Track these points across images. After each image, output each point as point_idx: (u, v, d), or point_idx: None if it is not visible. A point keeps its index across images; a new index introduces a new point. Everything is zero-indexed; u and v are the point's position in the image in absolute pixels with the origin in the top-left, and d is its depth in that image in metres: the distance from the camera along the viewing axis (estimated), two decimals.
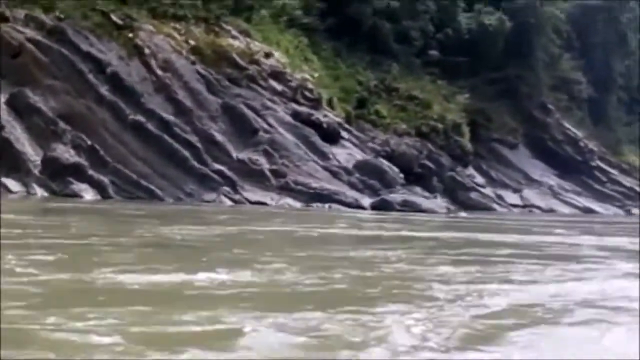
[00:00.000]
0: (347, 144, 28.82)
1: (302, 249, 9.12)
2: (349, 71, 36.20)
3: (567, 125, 44.64)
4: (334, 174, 24.51)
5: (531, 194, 38.77)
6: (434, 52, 40.91)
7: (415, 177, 35.49)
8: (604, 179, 43.73)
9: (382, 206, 22.20)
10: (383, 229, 12.66)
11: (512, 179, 41.06)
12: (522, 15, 42.37)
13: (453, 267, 7.81)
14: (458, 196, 36.56)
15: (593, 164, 43.84)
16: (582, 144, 43.90)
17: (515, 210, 36.84)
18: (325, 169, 24.64)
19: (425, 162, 36.05)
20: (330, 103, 31.80)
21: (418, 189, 35.32)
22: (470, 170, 38.62)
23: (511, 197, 38.14)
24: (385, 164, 29.71)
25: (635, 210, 42.90)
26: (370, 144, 30.35)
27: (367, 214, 20.01)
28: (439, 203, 23.07)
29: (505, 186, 40.26)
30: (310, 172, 24.11)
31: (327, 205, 22.00)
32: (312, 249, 9.22)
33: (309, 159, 24.70)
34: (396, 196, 22.48)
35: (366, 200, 23.06)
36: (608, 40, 58.51)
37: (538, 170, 42.25)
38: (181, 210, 17.99)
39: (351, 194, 23.25)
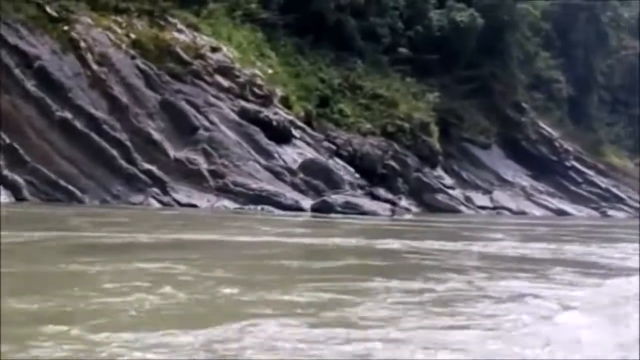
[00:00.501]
0: (300, 143, 27.23)
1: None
2: (311, 68, 34.59)
3: (542, 124, 43.09)
4: (277, 175, 22.92)
5: (502, 196, 37.19)
6: (403, 50, 39.30)
7: (379, 178, 34.04)
8: (580, 179, 42.19)
9: (322, 208, 20.62)
10: (267, 234, 11.07)
11: (484, 180, 39.52)
12: (494, 12, 40.77)
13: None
14: (424, 198, 35.08)
15: (568, 164, 42.29)
16: (557, 143, 42.34)
17: (484, 212, 35.28)
18: (268, 169, 23.04)
19: (390, 162, 34.48)
20: (287, 101, 30.26)
21: (381, 191, 34.10)
22: (439, 171, 37.06)
23: (481, 199, 36.56)
24: (338, 164, 28.20)
25: (611, 212, 41.37)
26: (325, 144, 28.74)
27: (300, 217, 18.42)
28: (382, 205, 21.48)
29: (476, 187, 38.73)
30: (251, 172, 22.52)
31: (259, 208, 20.40)
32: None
33: (250, 158, 23.11)
34: (337, 198, 20.88)
35: (307, 202, 21.46)
36: (589, 39, 57.03)
37: (511, 171, 40.71)
38: (86, 212, 16.38)
39: (291, 196, 21.64)
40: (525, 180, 40.25)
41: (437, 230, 15.56)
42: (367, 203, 20.89)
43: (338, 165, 28.16)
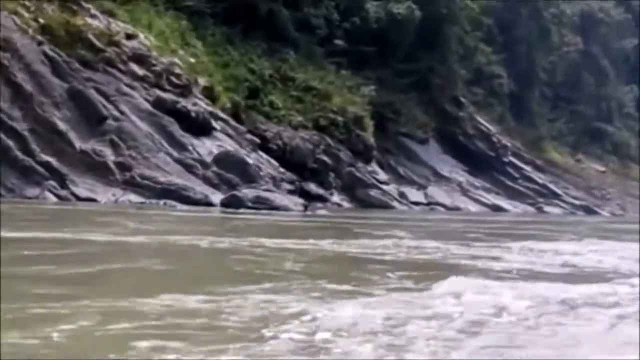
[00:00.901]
0: (221, 135, 25.97)
1: None
2: (241, 59, 33.31)
3: (480, 119, 42.43)
4: (188, 168, 21.64)
5: (436, 191, 36.37)
6: (339, 42, 38.23)
7: (310, 172, 32.96)
8: (517, 175, 41.62)
9: (232, 203, 19.41)
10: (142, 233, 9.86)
11: (420, 175, 38.69)
12: (433, 5, 39.92)
13: None
14: (357, 193, 34.09)
15: (506, 160, 41.69)
16: (495, 139, 41.71)
17: (417, 208, 34.40)
18: (179, 162, 21.74)
19: (321, 157, 33.44)
20: (211, 91, 28.97)
21: (312, 186, 33.02)
22: (373, 166, 36.09)
23: (415, 195, 35.68)
24: (261, 157, 27.03)
25: (547, 208, 40.90)
26: (248, 136, 27.51)
27: (200, 213, 17.16)
28: (295, 200, 20.35)
29: (412, 183, 37.88)
30: (160, 165, 21.20)
31: (162, 202, 19.11)
32: None
33: (160, 150, 21.79)
34: (248, 192, 19.68)
35: (217, 197, 20.24)
36: (531, 35, 56.67)
37: (448, 166, 39.96)
38: None
39: (201, 190, 20.39)
40: (461, 176, 39.53)
41: (334, 227, 14.45)
42: (278, 198, 19.73)
43: (262, 159, 26.98)
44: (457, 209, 35.88)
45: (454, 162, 40.42)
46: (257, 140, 27.76)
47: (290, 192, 31.73)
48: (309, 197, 32.79)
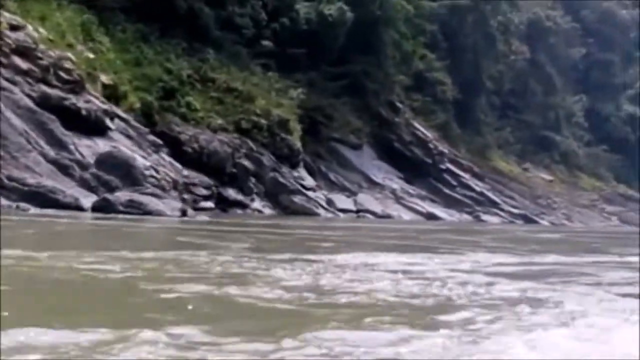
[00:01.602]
0: (117, 135, 23.80)
1: None
2: (156, 58, 31.17)
3: (417, 125, 40.62)
4: (64, 169, 19.41)
5: (367, 199, 34.43)
6: (266, 43, 36.27)
7: (229, 177, 30.89)
8: (454, 183, 39.84)
9: (104, 207, 17.23)
10: None
11: (353, 182, 36.77)
12: (365, 7, 38.12)
13: None
14: (280, 199, 32.06)
15: (443, 167, 39.90)
16: (431, 145, 39.92)
17: (344, 215, 32.43)
18: (54, 162, 19.50)
19: (241, 161, 31.37)
20: (115, 90, 26.83)
21: (231, 191, 30.93)
22: (300, 172, 34.06)
23: (344, 202, 33.70)
24: (163, 160, 24.88)
25: (485, 217, 39.18)
26: (150, 137, 25.34)
27: (58, 218, 14.94)
28: (173, 205, 18.22)
29: (344, 189, 35.95)
30: (30, 165, 18.96)
31: (15, 205, 16.87)
32: None
33: (34, 149, 19.54)
34: (120, 195, 17.50)
35: (90, 200, 18.04)
36: (477, 42, 55.21)
37: (382, 173, 38.10)
38: None
39: (72, 193, 18.16)
40: (396, 183, 37.67)
41: (188, 235, 12.25)
42: (153, 202, 17.56)
43: (163, 162, 24.82)
44: (388, 216, 33.97)
45: (388, 168, 38.57)
46: (160, 141, 25.58)
47: (206, 197, 29.85)
48: (227, 203, 30.78)
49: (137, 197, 17.49)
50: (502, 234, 21.72)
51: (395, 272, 6.79)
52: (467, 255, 9.95)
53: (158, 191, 19.54)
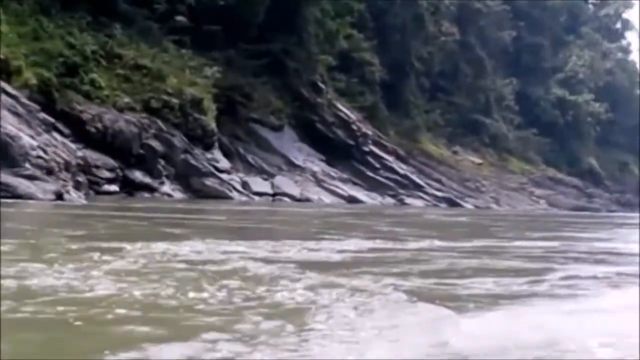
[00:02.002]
0: (3, 113, 21.76)
1: None
2: (57, 32, 29.09)
3: (340, 107, 39.29)
4: None
5: (285, 182, 33.03)
6: (181, 18, 34.41)
7: (136, 159, 29.10)
8: (378, 165, 38.68)
9: None
10: None
11: (272, 164, 35.29)
12: None
13: None
14: (192, 182, 30.42)
15: (366, 149, 38.69)
16: (355, 127, 38.64)
17: (260, 199, 31.00)
18: None
19: (149, 142, 29.60)
20: (6, 64, 24.75)
21: (138, 173, 29.17)
22: (215, 153, 32.44)
23: (261, 185, 32.24)
24: (55, 140, 22.96)
25: (409, 200, 38.18)
26: (41, 115, 23.35)
27: None
28: (46, 187, 16.51)
29: (262, 172, 34.45)
30: None
31: None
32: None
33: None
34: None
35: None
36: (406, 23, 54.16)
37: (303, 155, 36.71)
38: None
39: None
40: (317, 165, 36.33)
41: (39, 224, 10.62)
42: (23, 184, 15.84)
43: (56, 142, 22.90)
44: (307, 200, 32.65)
45: (310, 150, 37.20)
46: (51, 120, 23.60)
47: (110, 180, 28.06)
48: (134, 186, 29.00)
49: (8, 179, 15.70)
50: (412, 217, 20.57)
51: (190, 263, 5.39)
52: (335, 242, 8.63)
53: (38, 173, 17.74)
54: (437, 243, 9.16)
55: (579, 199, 60.70)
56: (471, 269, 6.46)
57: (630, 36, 79.35)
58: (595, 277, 6.44)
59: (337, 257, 6.76)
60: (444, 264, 6.78)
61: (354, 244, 8.33)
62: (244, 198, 30.20)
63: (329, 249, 7.37)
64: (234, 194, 30.20)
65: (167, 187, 29.45)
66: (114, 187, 27.21)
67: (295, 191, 32.64)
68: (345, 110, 38.97)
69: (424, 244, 8.93)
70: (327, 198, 34.41)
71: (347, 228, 12.54)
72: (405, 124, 53.29)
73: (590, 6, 78.71)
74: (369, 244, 8.58)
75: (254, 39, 37.05)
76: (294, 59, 38.69)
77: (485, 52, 62.69)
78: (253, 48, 36.81)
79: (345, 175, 36.72)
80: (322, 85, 39.02)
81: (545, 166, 65.73)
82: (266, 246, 7.20)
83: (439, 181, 49.24)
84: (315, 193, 34.40)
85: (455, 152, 57.44)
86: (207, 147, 32.06)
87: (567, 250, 9.66)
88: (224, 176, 31.26)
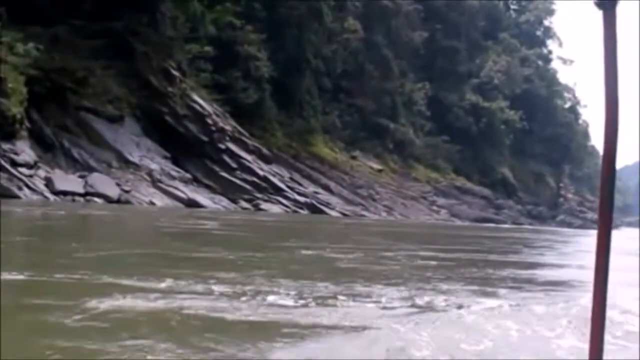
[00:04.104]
0: None
1: None
2: None
3: (195, 98, 33.72)
4: None
5: (103, 180, 27.35)
6: None
7: None
8: (234, 165, 33.19)
9: None
10: None
11: (101, 160, 29.64)
12: None
13: None
14: None
15: (222, 146, 33.15)
16: (210, 121, 33.10)
17: (63, 199, 25.29)
18: None
19: None
20: None
21: None
22: (18, 144, 26.67)
23: (70, 183, 26.50)
24: None
25: (265, 206, 32.73)
26: None
27: None
28: None
29: (89, 169, 28.76)
30: None
31: None
32: None
33: None
34: None
35: None
36: (301, 16, 48.89)
37: (142, 151, 31.07)
38: None
39: None
40: (156, 163, 30.72)
41: None
42: None
43: None
44: (126, 202, 27.03)
45: (152, 146, 31.60)
46: None
47: None
48: None
49: None
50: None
51: None
52: None
53: None
54: None
55: (485, 210, 56.00)
56: None
57: (551, 44, 75.21)
58: None
59: None
60: None
61: None
62: (36, 197, 24.45)
63: None
64: (25, 192, 24.42)
65: None
66: None
67: (113, 192, 26.98)
68: (201, 102, 33.41)
69: None
70: (161, 201, 28.83)
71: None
72: (297, 125, 48.08)
73: (512, 12, 74.47)
74: None
75: (92, 15, 31.35)
76: (143, 41, 33.06)
77: (393, 53, 57.71)
78: (90, 25, 31.09)
79: (188, 176, 31.18)
80: (176, 73, 33.43)
81: (455, 175, 61.04)
82: None
83: (326, 187, 44.11)
84: (147, 195, 28.79)
85: (354, 157, 52.34)
86: (8, 137, 26.28)
87: None
88: (22, 171, 25.49)
